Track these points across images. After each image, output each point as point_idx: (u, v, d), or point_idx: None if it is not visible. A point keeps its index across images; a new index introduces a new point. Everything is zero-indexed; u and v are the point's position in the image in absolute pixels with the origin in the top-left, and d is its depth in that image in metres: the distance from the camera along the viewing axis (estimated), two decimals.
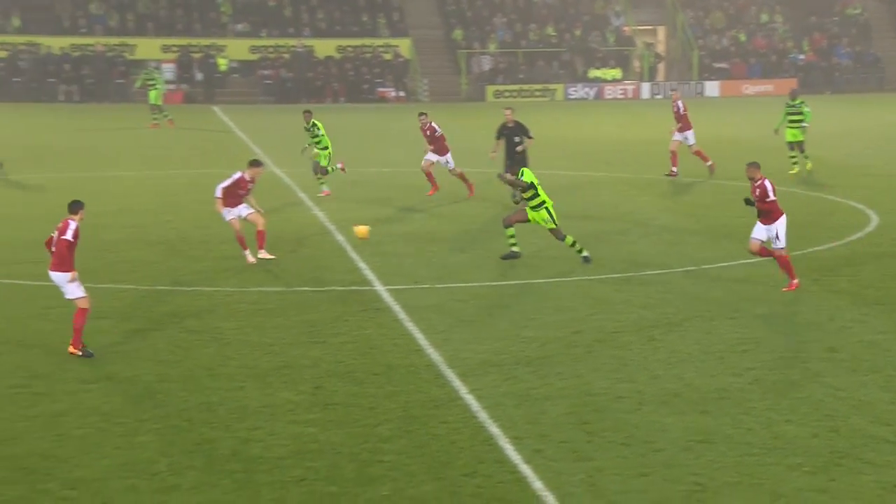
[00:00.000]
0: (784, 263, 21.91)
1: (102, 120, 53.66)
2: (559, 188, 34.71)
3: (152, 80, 51.44)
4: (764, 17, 73.73)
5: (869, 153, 43.64)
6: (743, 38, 72.59)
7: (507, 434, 15.01)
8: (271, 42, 66.56)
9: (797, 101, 36.85)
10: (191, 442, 14.80)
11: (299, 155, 34.35)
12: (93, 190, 33.78)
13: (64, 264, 17.95)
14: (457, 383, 17.06)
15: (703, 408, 16.04)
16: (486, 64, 68.30)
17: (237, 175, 24.32)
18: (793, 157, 36.82)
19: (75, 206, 18.20)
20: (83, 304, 17.93)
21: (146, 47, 65.14)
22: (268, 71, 65.56)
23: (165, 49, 65.27)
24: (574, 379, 17.25)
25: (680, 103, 36.84)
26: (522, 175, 24.10)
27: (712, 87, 69.82)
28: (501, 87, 66.73)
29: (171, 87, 63.68)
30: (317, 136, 32.64)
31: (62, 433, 15.04)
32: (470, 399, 16.37)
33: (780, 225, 21.61)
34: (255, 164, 24.76)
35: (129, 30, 65.82)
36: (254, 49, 66.39)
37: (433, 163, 32.60)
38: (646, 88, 68.96)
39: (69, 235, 17.93)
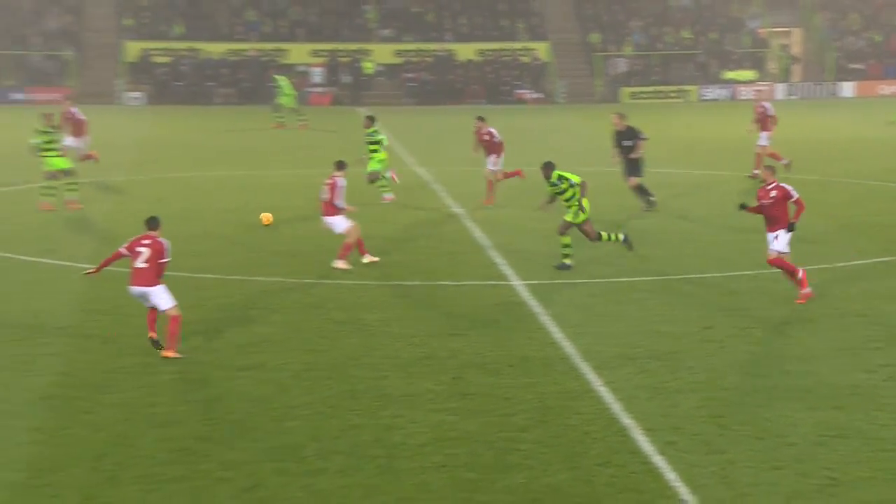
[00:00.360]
0: (783, 267, 20.57)
1: (257, 121, 54.45)
2: (690, 186, 34.27)
3: (279, 86, 52.28)
4: None
5: None
6: (879, 39, 70.89)
7: (641, 426, 14.87)
8: (415, 46, 66.95)
9: None
10: (336, 428, 14.94)
11: (439, 154, 34.43)
12: (243, 185, 34.34)
13: (157, 278, 17.62)
14: (590, 376, 16.96)
15: (836, 403, 15.71)
16: (622, 66, 67.80)
17: (340, 181, 23.54)
18: None
19: (155, 223, 17.84)
20: (176, 312, 17.83)
21: (297, 52, 65.99)
22: (411, 74, 65.94)
23: (315, 54, 66.02)
24: (706, 373, 17.03)
25: (767, 105, 36.41)
26: (563, 176, 23.27)
27: (847, 88, 68.41)
28: (636, 89, 66.17)
29: (320, 89, 64.42)
30: (374, 142, 31.36)
31: (217, 417, 15.30)
32: (603, 391, 16.26)
33: (781, 232, 20.31)
34: (340, 165, 23.90)
35: (282, 35, 66.74)
36: (398, 53, 66.85)
37: (492, 171, 31.42)
38: (781, 89, 67.74)
39: (168, 257, 17.65)
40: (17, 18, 65.45)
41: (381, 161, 31.37)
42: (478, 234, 27.44)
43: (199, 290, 21.92)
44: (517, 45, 67.67)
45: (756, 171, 34.58)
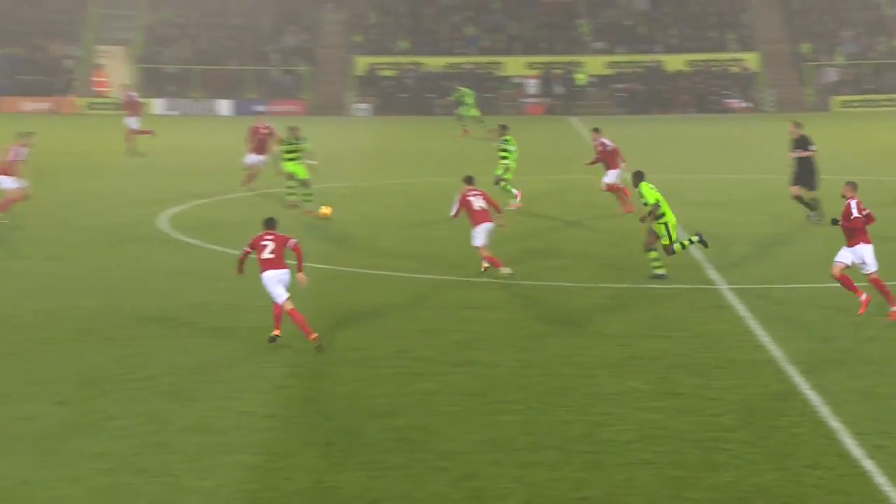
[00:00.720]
0: (879, 288, 19.63)
1: (474, 131, 54.89)
2: (891, 198, 33.09)
3: (462, 96, 52.72)
4: None
5: None
6: None
7: (850, 429, 14.43)
8: (626, 58, 66.52)
9: None
10: (547, 423, 14.94)
11: (648, 162, 34.04)
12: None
13: (284, 264, 18.42)
14: (797, 378, 16.54)
15: None
16: (832, 75, 65.90)
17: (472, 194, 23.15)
18: None
19: (272, 223, 18.82)
20: (290, 305, 18.21)
21: (512, 65, 66.31)
22: (622, 84, 65.54)
23: (530, 66, 66.23)
24: None
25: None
26: (641, 192, 22.65)
27: None
28: (847, 98, 64.21)
29: (534, 100, 64.57)
30: (505, 150, 31.26)
31: (435, 410, 15.47)
32: (811, 394, 15.84)
33: (865, 249, 19.49)
34: (468, 180, 23.63)
35: (499, 49, 67.19)
36: (610, 65, 66.52)
37: (610, 181, 30.55)
38: None
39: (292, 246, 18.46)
40: (258, 37, 67.65)
41: (507, 168, 31.33)
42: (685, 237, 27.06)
43: (418, 288, 22.22)
44: (726, 56, 66.55)
45: None
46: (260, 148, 33.78)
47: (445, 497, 12.75)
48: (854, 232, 19.66)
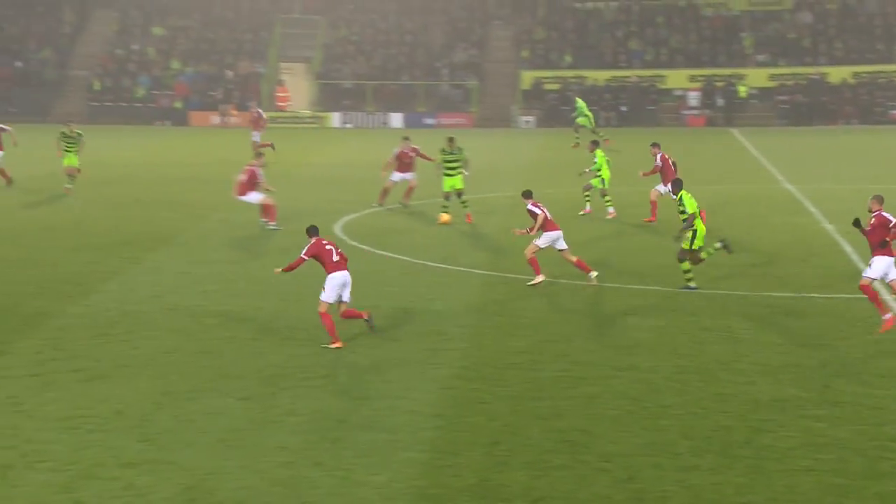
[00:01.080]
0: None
1: (635, 141, 54.41)
2: None
3: (578, 108, 52.17)
4: None
5: None
6: None
7: None
8: (789, 70, 65.08)
9: None
10: (707, 428, 14.70)
11: (810, 172, 33.22)
12: (627, 199, 34.38)
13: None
14: None
15: None
16: None
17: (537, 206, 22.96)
18: None
19: (315, 230, 19.17)
20: (325, 308, 18.59)
21: (675, 78, 65.51)
22: (784, 97, 64.12)
23: (692, 79, 65.35)
24: None
25: None
26: (682, 200, 22.20)
27: None
28: None
29: (695, 112, 63.67)
30: (595, 164, 31.69)
31: (597, 413, 15.36)
32: None
33: (878, 259, 19.01)
34: (527, 195, 23.30)
35: (662, 63, 66.48)
36: (772, 77, 65.16)
37: (660, 193, 29.89)
38: None
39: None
40: (429, 53, 68.33)
41: (601, 179, 31.68)
42: (848, 248, 26.31)
43: (577, 296, 22.10)
44: (893, 68, 64.52)
45: None
46: (406, 167, 33.10)
47: (608, 498, 12.65)
48: (872, 244, 19.28)
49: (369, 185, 35.72)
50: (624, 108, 64.31)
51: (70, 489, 12.90)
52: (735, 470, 13.30)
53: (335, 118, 64.97)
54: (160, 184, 38.72)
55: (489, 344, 18.83)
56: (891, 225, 19.21)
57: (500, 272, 24.25)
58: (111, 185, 37.75)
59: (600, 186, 31.96)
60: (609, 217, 31.26)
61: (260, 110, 48.48)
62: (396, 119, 65.20)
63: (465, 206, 30.50)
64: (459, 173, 30.75)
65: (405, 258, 25.86)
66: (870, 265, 19.39)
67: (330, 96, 66.90)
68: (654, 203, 30.56)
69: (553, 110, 64.76)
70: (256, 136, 46.00)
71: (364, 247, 26.95)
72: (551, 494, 12.73)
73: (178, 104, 65.60)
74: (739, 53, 66.71)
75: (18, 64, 67.15)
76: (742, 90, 64.60)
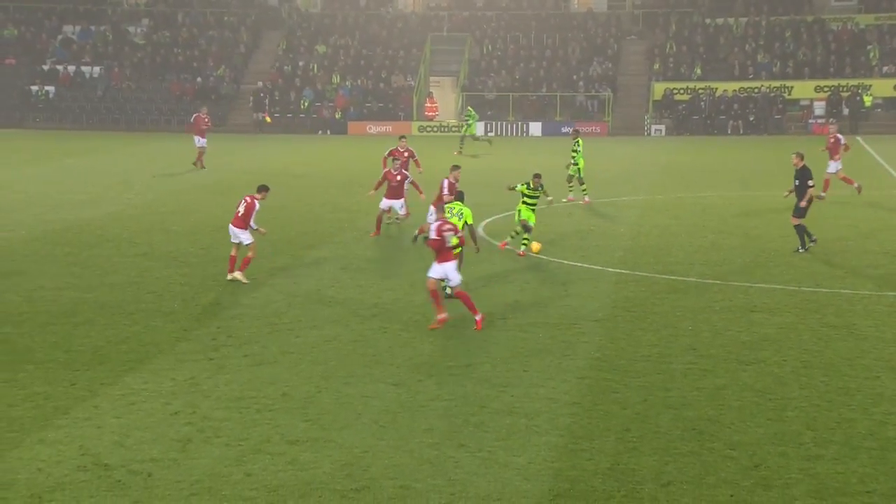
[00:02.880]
0: None
1: (761, 149, 53.29)
2: None
3: (469, 116, 51.83)
4: None
5: None
6: None
7: None
8: None
9: None
10: (832, 420, 14.32)
11: None
12: (747, 205, 33.65)
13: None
14: None
15: None
16: None
17: None
18: None
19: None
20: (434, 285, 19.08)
21: (801, 88, 63.91)
22: None
23: (818, 89, 63.64)
24: None
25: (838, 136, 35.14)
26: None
27: None
28: None
29: (821, 121, 61.99)
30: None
31: (724, 403, 15.10)
32: None
33: None
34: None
35: (788, 74, 64.92)
36: None
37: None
38: None
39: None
40: (567, 67, 68.03)
41: (577, 168, 33.26)
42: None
43: (705, 293, 21.73)
44: None
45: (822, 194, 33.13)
46: (398, 186, 29.82)
47: (734, 483, 12.40)
48: None
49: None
50: (752, 118, 63.05)
51: (241, 462, 13.20)
52: (859, 460, 12.91)
53: (479, 127, 65.12)
54: (321, 187, 39.36)
55: (621, 337, 18.64)
56: None
57: (633, 271, 23.99)
58: (277, 188, 38.47)
59: (576, 175, 33.75)
60: (583, 203, 33.14)
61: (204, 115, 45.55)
62: (535, 128, 65.05)
63: (525, 242, 26.66)
64: (533, 209, 29.22)
65: (542, 257, 25.75)
66: None
67: (474, 107, 67.16)
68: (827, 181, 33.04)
69: (683, 119, 63.81)
70: (200, 142, 44.22)
71: (497, 243, 26.86)
72: (679, 479, 12.54)
73: (338, 115, 66.60)
74: (865, 65, 64.75)
75: (199, 80, 69.09)
76: (867, 100, 62.68)
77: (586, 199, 33.95)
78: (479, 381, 16.27)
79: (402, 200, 28.91)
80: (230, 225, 22.98)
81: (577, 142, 34.42)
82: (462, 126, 55.08)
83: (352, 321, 19.93)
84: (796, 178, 25.92)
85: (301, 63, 69.74)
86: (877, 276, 23.00)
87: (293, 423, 14.51)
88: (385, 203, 28.77)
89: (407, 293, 22.04)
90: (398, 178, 28.85)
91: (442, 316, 19.13)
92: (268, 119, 64.31)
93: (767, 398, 15.23)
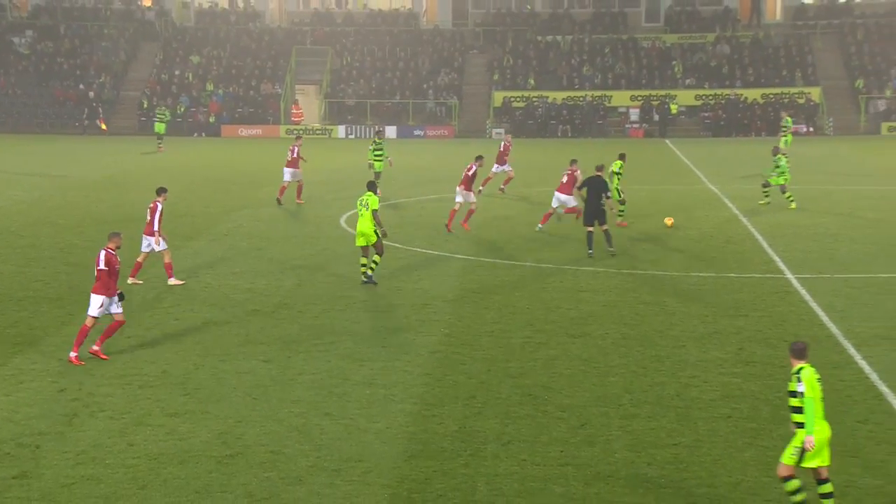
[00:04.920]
0: None
1: (586, 150, 54.42)
2: None
3: (159, 114, 51.92)
4: None
5: None
6: None
7: (894, 392, 13.89)
8: (711, 92, 65.07)
9: None
10: (646, 384, 14.74)
11: (727, 174, 33.13)
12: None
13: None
14: (852, 351, 16.02)
15: None
16: (882, 106, 63.42)
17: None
18: None
19: None
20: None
21: (619, 97, 65.48)
22: (707, 113, 64.16)
23: (633, 98, 65.34)
24: None
25: None
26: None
27: None
28: (894, 124, 61.76)
29: (636, 125, 63.68)
30: (779, 166, 30.91)
31: (555, 372, 15.39)
32: (863, 364, 15.33)
33: None
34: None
35: (608, 85, 66.41)
36: (698, 97, 65.17)
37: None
38: None
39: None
40: (419, 77, 68.13)
41: (376, 173, 33.82)
42: (758, 235, 26.37)
43: (540, 277, 22.07)
44: (794, 90, 64.61)
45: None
46: (294, 164, 32.35)
47: (564, 441, 12.67)
48: None
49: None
50: (578, 123, 64.35)
51: (124, 434, 12.86)
52: (667, 417, 13.34)
53: (340, 130, 64.75)
54: (198, 183, 38.52)
55: (467, 316, 18.81)
56: None
57: (476, 257, 24.20)
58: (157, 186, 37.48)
59: (376, 172, 33.94)
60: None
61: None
62: (391, 131, 64.95)
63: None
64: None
65: (397, 245, 25.78)
66: None
67: (336, 112, 66.72)
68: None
69: (520, 124, 64.70)
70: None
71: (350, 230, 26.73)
72: (517, 438, 12.75)
73: (212, 119, 65.29)
74: (671, 78, 66.72)
75: (81, 87, 66.77)
76: (673, 108, 64.63)
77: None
78: (342, 356, 16.21)
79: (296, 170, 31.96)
80: (143, 234, 21.08)
81: (375, 141, 34.95)
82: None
83: (226, 305, 19.60)
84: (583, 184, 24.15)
85: (177, 72, 68.05)
86: (682, 259, 23.75)
87: (173, 397, 14.20)
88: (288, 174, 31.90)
89: (277, 279, 21.78)
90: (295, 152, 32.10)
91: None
92: (103, 126, 62.03)
93: (592, 366, 15.59)
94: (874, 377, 14.67)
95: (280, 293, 20.51)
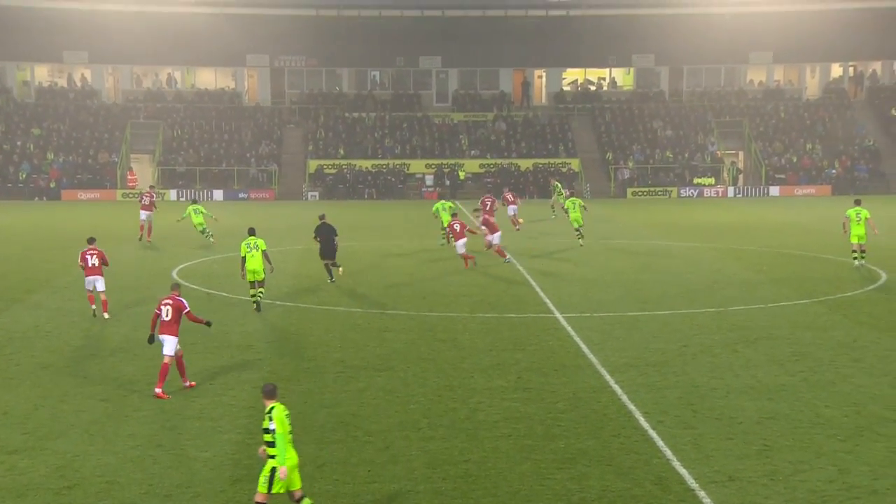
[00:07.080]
0: None
1: (390, 210, 54.96)
2: (678, 251, 33.74)
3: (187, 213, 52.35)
4: (808, 146, 70.43)
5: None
6: (795, 159, 69.49)
7: (640, 410, 14.67)
8: (492, 161, 67.24)
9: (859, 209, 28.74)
10: (441, 410, 14.91)
11: (511, 229, 33.97)
12: (375, 251, 34.50)
13: None
14: (607, 377, 16.76)
15: (769, 396, 15.36)
16: (627, 174, 67.31)
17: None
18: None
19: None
20: None
21: (416, 165, 66.66)
22: (489, 178, 66.12)
23: (428, 166, 66.67)
24: (683, 376, 16.75)
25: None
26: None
27: (774, 190, 66.93)
28: (637, 189, 65.63)
29: (430, 189, 64.86)
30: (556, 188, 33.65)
31: (364, 401, 15.35)
32: (616, 387, 16.06)
33: None
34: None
35: (407, 155, 67.51)
36: (481, 165, 67.22)
37: None
38: (731, 191, 66.61)
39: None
40: (242, 147, 67.10)
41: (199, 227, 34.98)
42: (532, 281, 27.27)
43: (350, 319, 22.03)
44: (558, 160, 67.70)
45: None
46: (147, 208, 36.29)
47: (371, 461, 12.65)
48: None
49: (193, 241, 34.62)
50: (381, 186, 65.01)
51: None
52: (459, 438, 13.54)
53: (172, 194, 62.80)
54: (40, 242, 36.34)
55: (287, 354, 18.55)
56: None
57: (298, 303, 23.93)
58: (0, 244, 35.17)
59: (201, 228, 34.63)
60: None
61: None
62: (218, 194, 63.59)
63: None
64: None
65: (224, 294, 25.18)
66: None
67: (168, 178, 64.75)
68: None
69: (332, 188, 64.68)
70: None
71: (192, 286, 26.06)
72: (331, 461, 12.65)
73: (52, 185, 62.00)
74: (459, 149, 68.58)
75: None
76: (461, 174, 66.35)
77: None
78: (173, 393, 15.62)
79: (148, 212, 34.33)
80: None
81: (195, 207, 35.61)
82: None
83: (66, 350, 18.55)
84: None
85: (19, 143, 64.37)
86: (470, 303, 24.27)
87: (12, 436, 13.28)
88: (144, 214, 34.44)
89: (114, 325, 20.80)
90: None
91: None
92: None
93: (395, 396, 15.66)
94: (625, 398, 15.42)
95: (117, 337, 19.60)
